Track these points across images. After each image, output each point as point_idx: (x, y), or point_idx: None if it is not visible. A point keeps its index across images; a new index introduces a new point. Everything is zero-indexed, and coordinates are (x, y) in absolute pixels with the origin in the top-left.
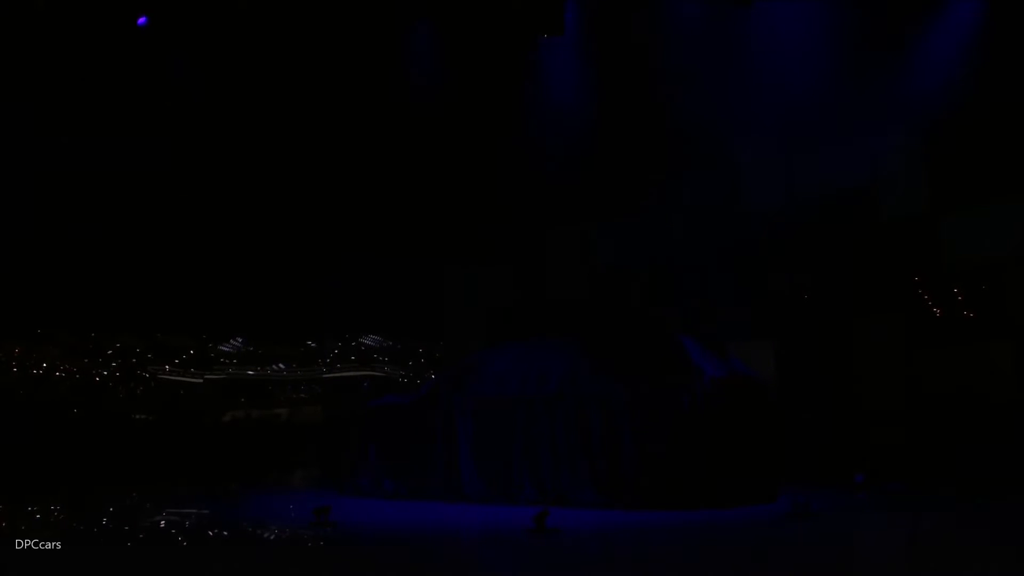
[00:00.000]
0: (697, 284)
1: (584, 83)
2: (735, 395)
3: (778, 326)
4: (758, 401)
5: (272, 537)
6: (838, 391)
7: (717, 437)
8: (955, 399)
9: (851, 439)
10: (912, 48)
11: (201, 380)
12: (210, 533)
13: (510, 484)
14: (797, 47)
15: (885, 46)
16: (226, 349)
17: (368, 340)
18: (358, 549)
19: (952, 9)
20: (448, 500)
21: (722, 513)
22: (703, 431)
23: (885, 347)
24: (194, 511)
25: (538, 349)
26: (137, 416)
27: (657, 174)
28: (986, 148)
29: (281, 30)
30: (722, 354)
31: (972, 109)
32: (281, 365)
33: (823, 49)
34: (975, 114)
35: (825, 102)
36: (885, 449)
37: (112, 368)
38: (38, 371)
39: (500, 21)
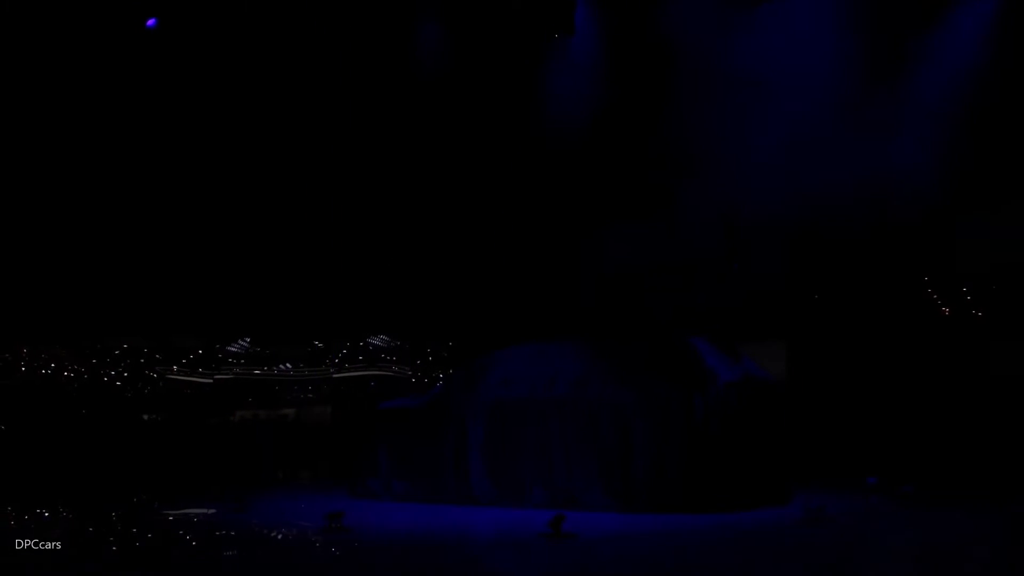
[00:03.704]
0: (708, 285)
1: (594, 83)
2: (748, 399)
3: (790, 326)
4: (771, 404)
5: (284, 543)
6: (850, 392)
7: (730, 441)
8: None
9: (863, 441)
10: (927, 48)
11: (211, 380)
12: (217, 534)
13: (520, 487)
14: (810, 46)
15: (900, 47)
16: (234, 349)
17: (376, 340)
18: (374, 556)
19: (967, 8)
20: (458, 503)
21: (735, 517)
22: (716, 435)
23: None
24: (202, 512)
25: (548, 351)
26: (146, 417)
27: (666, 175)
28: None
29: (284, 31)
30: (734, 355)
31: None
32: (288, 365)
33: (837, 48)
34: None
35: (839, 102)
36: (897, 451)
37: (120, 369)
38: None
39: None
